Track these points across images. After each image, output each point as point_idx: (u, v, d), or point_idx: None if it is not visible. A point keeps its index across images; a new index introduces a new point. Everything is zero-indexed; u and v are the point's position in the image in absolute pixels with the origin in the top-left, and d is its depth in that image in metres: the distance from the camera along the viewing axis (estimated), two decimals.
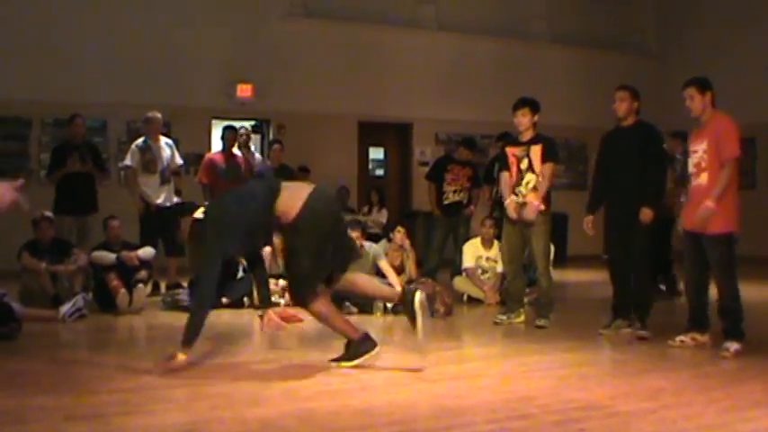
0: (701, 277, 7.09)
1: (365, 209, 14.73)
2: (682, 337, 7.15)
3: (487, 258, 10.18)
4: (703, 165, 6.90)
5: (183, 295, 9.32)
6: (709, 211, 6.72)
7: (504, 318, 8.45)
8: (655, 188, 7.70)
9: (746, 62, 16.37)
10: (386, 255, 9.75)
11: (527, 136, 8.41)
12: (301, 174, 14.18)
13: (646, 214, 7.53)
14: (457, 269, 10.55)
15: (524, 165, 8.32)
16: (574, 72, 17.75)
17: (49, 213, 9.29)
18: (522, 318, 8.49)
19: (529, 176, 8.28)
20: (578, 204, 16.09)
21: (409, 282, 9.57)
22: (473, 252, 10.25)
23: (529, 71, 16.90)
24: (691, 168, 7.06)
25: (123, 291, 8.87)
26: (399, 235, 10.01)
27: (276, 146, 12.03)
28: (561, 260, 13.44)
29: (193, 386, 5.56)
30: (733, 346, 6.74)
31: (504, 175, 8.56)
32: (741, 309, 6.94)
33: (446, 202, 11.30)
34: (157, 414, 4.83)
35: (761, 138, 13.00)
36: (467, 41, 16.84)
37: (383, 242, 10.24)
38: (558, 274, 10.68)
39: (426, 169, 13.20)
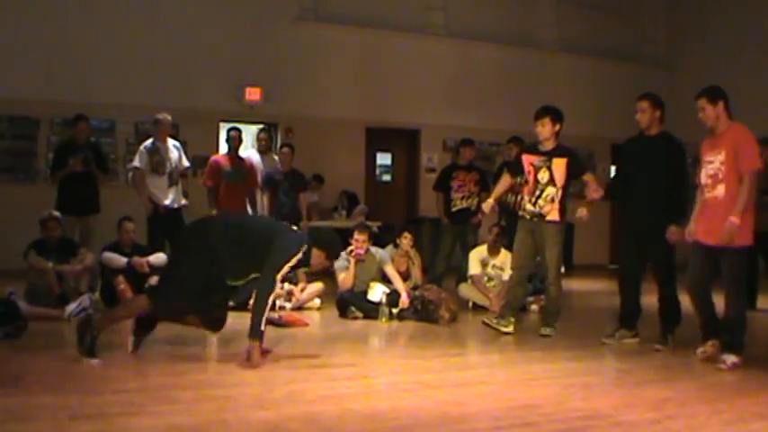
0: (708, 288, 7.06)
1: (344, 213, 14.76)
2: (703, 348, 7.10)
3: (493, 266, 10.16)
4: (720, 176, 6.79)
5: None
6: (735, 226, 6.62)
7: (495, 322, 8.32)
8: (679, 205, 7.48)
9: (758, 72, 16.34)
10: (392, 260, 9.75)
11: (548, 146, 8.23)
12: (315, 182, 14.21)
13: (675, 233, 7.36)
14: (463, 276, 10.54)
15: (543, 176, 8.16)
16: (583, 81, 17.75)
17: (56, 213, 9.30)
18: (511, 328, 8.29)
19: (549, 190, 8.13)
20: None
21: (415, 288, 9.58)
22: (479, 259, 10.23)
23: (538, 79, 16.90)
24: (705, 179, 6.93)
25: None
26: (406, 241, 10.01)
27: (285, 149, 12.01)
28: (567, 269, 13.44)
29: (198, 388, 5.57)
30: (730, 358, 6.71)
31: (505, 177, 8.57)
32: (746, 322, 6.92)
33: (454, 210, 11.29)
34: (161, 415, 4.84)
35: None
36: (476, 48, 16.84)
37: (389, 248, 10.25)
38: (563, 283, 10.67)
39: (433, 175, 13.21)
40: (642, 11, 19.04)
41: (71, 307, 8.28)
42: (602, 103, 17.45)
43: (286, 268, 6.38)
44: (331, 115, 15.45)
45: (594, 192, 8.10)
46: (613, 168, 18.04)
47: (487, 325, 8.33)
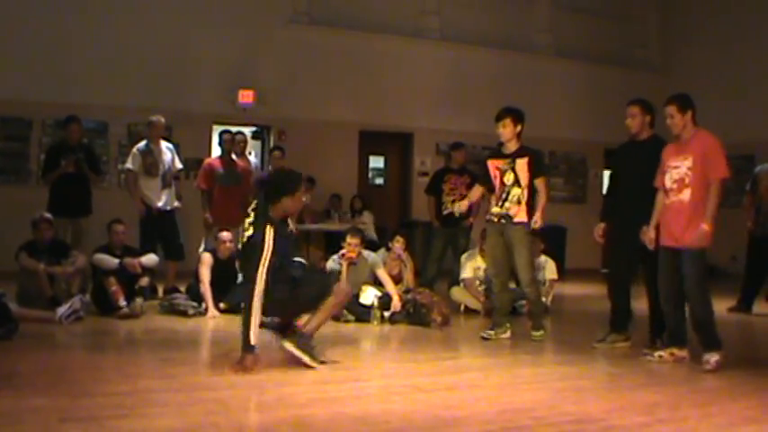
0: (678, 292, 7.06)
1: (347, 216, 14.78)
2: (660, 352, 7.14)
3: (486, 270, 10.15)
4: (687, 181, 6.88)
5: (181, 299, 9.32)
6: (706, 233, 6.70)
7: (492, 333, 8.25)
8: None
9: (749, 78, 16.40)
10: (384, 264, 9.75)
11: (511, 148, 8.19)
12: (307, 184, 14.20)
13: (647, 233, 7.33)
14: (455, 280, 10.54)
15: (509, 179, 8.13)
16: (576, 86, 17.78)
17: (48, 215, 9.27)
18: (509, 333, 8.27)
19: (515, 191, 8.09)
20: (577, 218, 16.22)
21: (407, 291, 9.58)
22: (471, 263, 10.24)
23: (532, 84, 16.92)
24: (669, 184, 7.01)
25: (126, 310, 8.84)
26: (398, 245, 10.01)
27: (276, 153, 12.04)
28: (559, 273, 13.46)
29: (189, 391, 5.56)
30: (713, 357, 6.74)
31: (477, 188, 8.47)
32: (714, 319, 6.96)
33: (445, 213, 11.28)
34: (152, 418, 4.83)
35: (761, 155, 13.02)
36: (470, 53, 16.87)
37: (381, 251, 10.25)
38: (555, 287, 10.70)
39: (426, 179, 13.22)
40: (635, 16, 19.10)
41: (62, 309, 8.26)
42: (596, 107, 17.48)
43: (265, 262, 6.21)
44: (324, 118, 15.45)
45: (535, 222, 8.08)
46: (606, 173, 18.18)
47: (488, 339, 8.22)
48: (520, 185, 8.11)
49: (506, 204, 8.14)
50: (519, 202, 8.10)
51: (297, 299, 6.65)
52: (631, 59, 18.77)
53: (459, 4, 16.94)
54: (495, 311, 8.55)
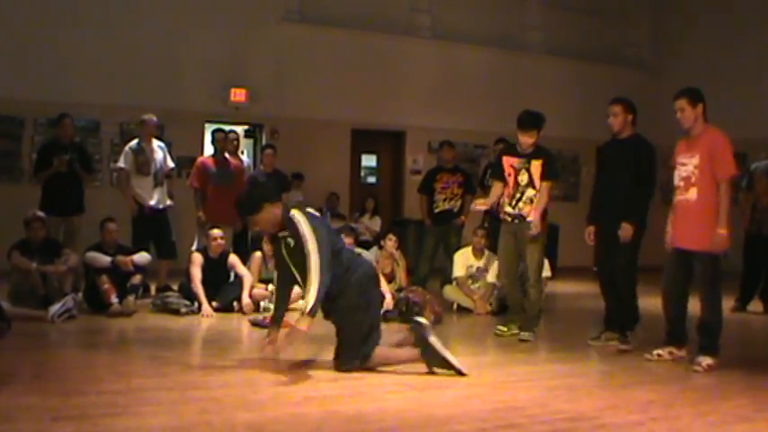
0: (682, 292, 7.05)
1: (356, 215, 14.76)
2: (659, 351, 7.13)
3: (478, 268, 10.17)
4: (693, 179, 6.79)
5: (173, 298, 9.30)
6: (723, 238, 6.62)
7: (505, 329, 8.30)
8: (635, 204, 7.51)
9: (740, 77, 16.43)
10: (377, 262, 9.74)
11: (527, 148, 8.23)
12: (295, 180, 14.18)
13: (626, 230, 7.43)
14: (447, 278, 10.55)
15: (523, 178, 8.14)
16: (568, 84, 17.79)
17: (41, 213, 9.24)
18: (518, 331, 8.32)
19: (529, 192, 8.11)
20: (569, 216, 16.21)
21: (399, 290, 9.58)
22: (464, 261, 10.24)
23: (523, 82, 16.93)
24: (677, 181, 6.95)
25: (117, 306, 8.84)
26: (390, 243, 10.02)
27: (268, 151, 12.02)
28: (552, 271, 13.47)
29: (182, 390, 5.56)
30: (705, 361, 6.72)
31: (497, 185, 8.45)
32: (721, 326, 6.93)
33: (436, 211, 11.28)
34: (145, 416, 4.82)
35: (753, 153, 13.04)
36: (462, 51, 16.86)
37: (374, 250, 10.24)
38: (548, 285, 10.70)
39: (418, 177, 13.22)
40: (627, 14, 19.13)
41: (55, 308, 8.24)
42: (587, 105, 17.46)
43: (312, 230, 6.16)
44: (316, 117, 15.43)
45: (535, 227, 8.08)
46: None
47: (500, 335, 8.27)
48: (534, 187, 8.12)
49: (520, 205, 8.15)
50: (532, 203, 8.12)
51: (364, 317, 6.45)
52: (623, 58, 18.80)
53: (451, 1, 16.93)
54: (508, 310, 8.65)
